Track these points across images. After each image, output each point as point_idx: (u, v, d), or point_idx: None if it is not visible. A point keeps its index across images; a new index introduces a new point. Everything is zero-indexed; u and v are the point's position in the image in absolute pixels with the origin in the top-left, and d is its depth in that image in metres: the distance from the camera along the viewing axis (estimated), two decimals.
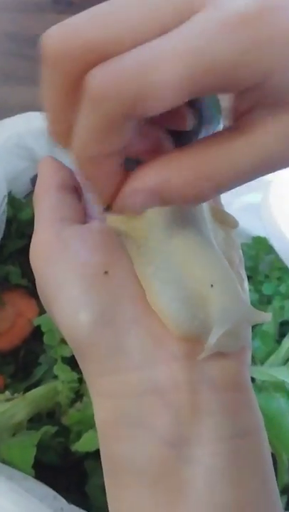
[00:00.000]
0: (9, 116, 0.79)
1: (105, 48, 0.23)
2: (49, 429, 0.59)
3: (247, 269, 0.76)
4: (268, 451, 0.33)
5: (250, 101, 0.25)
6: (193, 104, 0.31)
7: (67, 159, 0.30)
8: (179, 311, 0.31)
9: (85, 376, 0.33)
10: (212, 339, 0.30)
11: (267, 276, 0.78)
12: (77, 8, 0.76)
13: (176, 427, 0.30)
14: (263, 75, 0.23)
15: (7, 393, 0.62)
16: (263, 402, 0.60)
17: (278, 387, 0.63)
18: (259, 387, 0.65)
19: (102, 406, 0.32)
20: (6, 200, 0.75)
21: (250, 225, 0.78)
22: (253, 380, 0.67)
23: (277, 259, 0.78)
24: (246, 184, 0.26)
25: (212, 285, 0.31)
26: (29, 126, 0.75)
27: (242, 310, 0.31)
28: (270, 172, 0.27)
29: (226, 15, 0.22)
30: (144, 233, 0.34)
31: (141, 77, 0.22)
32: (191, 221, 0.34)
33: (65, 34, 0.23)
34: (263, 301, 0.75)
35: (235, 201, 0.77)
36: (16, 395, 0.62)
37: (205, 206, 0.36)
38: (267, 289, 0.74)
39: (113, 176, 0.27)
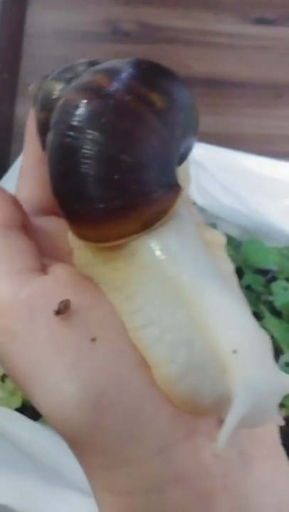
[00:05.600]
0: None
1: None
2: None
3: None
4: None
5: None
6: None
7: None
8: (194, 386, 0.23)
9: (85, 469, 0.24)
10: (231, 422, 0.21)
11: None
12: (134, 39, 0.91)
13: None
14: None
15: None
16: None
17: None
18: None
19: (112, 505, 0.24)
20: None
21: None
22: None
23: None
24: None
25: (235, 351, 0.23)
26: None
27: (270, 381, 0.23)
28: None
29: None
30: (133, 276, 0.24)
31: None
32: (197, 251, 0.25)
33: None
34: None
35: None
36: None
37: (194, 226, 0.26)
38: None
39: None
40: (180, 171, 0.26)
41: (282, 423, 0.25)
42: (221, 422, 0.22)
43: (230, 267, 0.27)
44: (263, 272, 0.76)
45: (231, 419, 0.22)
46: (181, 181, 0.25)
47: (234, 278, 0.27)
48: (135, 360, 0.23)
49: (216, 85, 1.09)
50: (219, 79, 1.10)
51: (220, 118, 1.05)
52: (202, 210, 0.73)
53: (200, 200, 0.72)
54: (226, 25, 1.19)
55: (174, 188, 0.25)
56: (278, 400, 0.24)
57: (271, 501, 0.25)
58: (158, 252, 0.24)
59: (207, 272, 0.24)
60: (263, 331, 0.24)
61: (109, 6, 1.19)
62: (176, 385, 0.23)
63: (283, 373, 0.24)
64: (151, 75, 0.25)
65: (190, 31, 1.18)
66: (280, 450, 0.26)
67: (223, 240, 0.28)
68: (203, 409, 0.23)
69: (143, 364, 0.23)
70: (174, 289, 0.24)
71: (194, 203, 0.72)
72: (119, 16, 1.16)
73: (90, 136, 0.23)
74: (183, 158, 0.27)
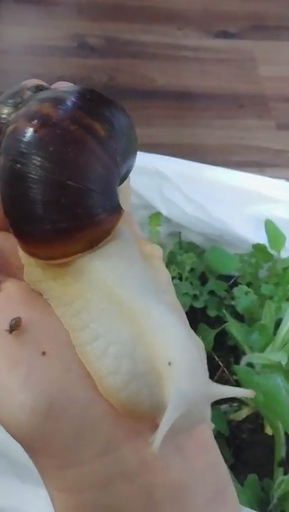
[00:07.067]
0: None
1: None
2: None
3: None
4: (238, 504, 0.29)
5: None
6: None
7: None
8: (135, 394, 0.25)
9: (39, 470, 0.26)
10: (164, 426, 0.23)
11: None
12: (100, 53, 0.94)
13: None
14: None
15: None
16: (261, 381, 0.67)
17: (275, 367, 0.69)
18: (257, 372, 0.73)
19: (65, 502, 0.26)
20: None
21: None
22: (252, 366, 0.74)
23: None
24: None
25: (170, 363, 0.25)
26: None
27: (200, 391, 0.25)
28: None
29: None
30: (80, 292, 0.26)
31: None
32: (137, 267, 0.27)
33: None
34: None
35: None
36: None
37: (134, 243, 0.28)
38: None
39: None
40: (121, 189, 0.28)
41: (213, 427, 0.28)
42: (157, 425, 0.24)
43: (167, 277, 0.29)
44: (226, 278, 0.80)
45: (164, 424, 0.23)
46: (122, 201, 0.27)
47: (171, 287, 0.29)
48: (81, 371, 0.25)
49: (180, 98, 1.11)
50: (183, 91, 1.12)
51: (184, 130, 1.07)
52: (167, 220, 0.77)
53: (165, 211, 0.76)
54: (190, 39, 1.22)
55: (116, 210, 0.26)
56: (208, 406, 0.26)
57: (206, 489, 0.27)
58: (102, 270, 0.26)
59: (147, 287, 0.26)
60: (198, 341, 0.26)
61: (76, 20, 1.21)
62: (119, 393, 0.25)
63: (212, 382, 0.26)
64: (95, 105, 0.27)
65: (155, 45, 1.20)
66: (213, 445, 0.29)
67: (161, 253, 0.29)
68: (141, 414, 0.25)
69: (88, 375, 0.25)
70: (118, 305, 0.25)
71: (159, 213, 0.76)
72: (85, 31, 1.18)
73: (38, 163, 0.25)
74: (124, 178, 0.28)
